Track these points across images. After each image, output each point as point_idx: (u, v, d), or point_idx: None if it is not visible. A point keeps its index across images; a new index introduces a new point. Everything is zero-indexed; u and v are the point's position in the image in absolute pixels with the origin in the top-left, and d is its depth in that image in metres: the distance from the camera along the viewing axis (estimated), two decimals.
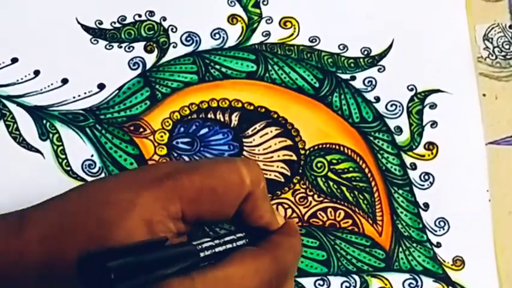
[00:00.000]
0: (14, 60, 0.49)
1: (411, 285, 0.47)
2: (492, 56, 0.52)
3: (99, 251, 0.32)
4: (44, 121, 0.48)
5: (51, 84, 0.49)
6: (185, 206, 0.38)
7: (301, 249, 0.43)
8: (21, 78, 0.48)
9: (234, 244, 0.39)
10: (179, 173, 0.38)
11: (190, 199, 0.38)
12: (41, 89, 0.48)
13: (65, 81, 0.49)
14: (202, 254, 0.37)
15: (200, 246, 0.37)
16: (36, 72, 0.49)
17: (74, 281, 0.33)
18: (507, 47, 0.53)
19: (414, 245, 0.48)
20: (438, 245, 0.48)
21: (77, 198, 0.39)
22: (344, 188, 0.49)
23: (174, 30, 0.51)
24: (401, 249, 0.48)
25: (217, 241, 0.38)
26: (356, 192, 0.49)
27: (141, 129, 0.49)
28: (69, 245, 0.36)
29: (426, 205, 0.49)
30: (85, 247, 0.35)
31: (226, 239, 0.39)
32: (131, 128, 0.49)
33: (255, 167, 0.41)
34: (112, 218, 0.36)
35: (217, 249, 0.38)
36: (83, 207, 0.38)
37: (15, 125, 0.48)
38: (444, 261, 0.48)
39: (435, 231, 0.48)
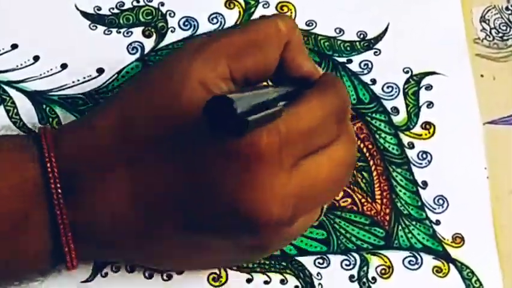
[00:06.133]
0: (14, 46, 0.49)
1: (411, 263, 0.47)
2: (489, 37, 0.53)
3: (221, 96, 0.34)
4: (44, 106, 0.48)
5: (51, 69, 0.49)
6: (231, 63, 0.40)
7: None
8: (21, 64, 0.49)
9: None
10: (219, 35, 0.42)
11: (234, 55, 0.41)
12: (41, 74, 0.49)
13: (64, 66, 0.49)
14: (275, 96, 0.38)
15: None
16: (36, 58, 0.49)
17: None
18: (504, 28, 0.53)
19: (414, 222, 0.48)
20: (438, 222, 0.48)
21: (135, 87, 0.43)
22: None
23: (172, 15, 0.51)
24: (400, 227, 0.48)
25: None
26: (355, 171, 0.49)
27: None
28: (139, 123, 0.40)
29: (425, 183, 0.49)
30: (153, 121, 0.40)
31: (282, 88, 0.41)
32: None
33: (289, 17, 0.44)
34: (173, 89, 0.39)
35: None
36: (146, 91, 0.42)
37: (15, 110, 0.48)
38: (444, 239, 0.48)
39: (435, 209, 0.48)
